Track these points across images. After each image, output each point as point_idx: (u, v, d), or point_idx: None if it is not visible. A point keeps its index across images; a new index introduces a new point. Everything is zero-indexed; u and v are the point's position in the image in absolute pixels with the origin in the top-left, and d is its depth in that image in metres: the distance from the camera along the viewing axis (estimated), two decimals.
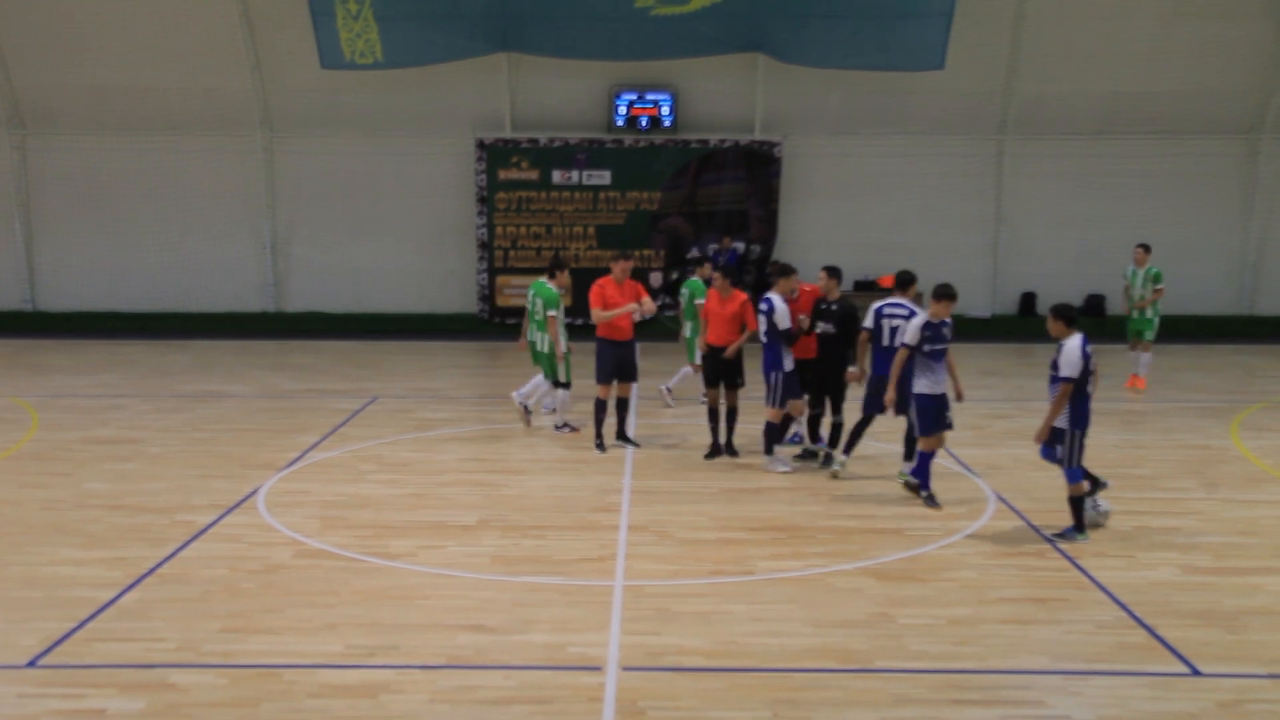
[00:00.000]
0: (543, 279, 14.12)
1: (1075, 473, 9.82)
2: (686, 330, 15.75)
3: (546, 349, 14.04)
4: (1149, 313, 17.21)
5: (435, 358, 21.01)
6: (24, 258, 24.45)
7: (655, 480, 11.98)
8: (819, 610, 8.30)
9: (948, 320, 11.01)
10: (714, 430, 13.02)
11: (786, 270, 12.46)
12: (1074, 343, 9.65)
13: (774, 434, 12.36)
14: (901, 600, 8.50)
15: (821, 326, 12.44)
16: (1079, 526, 9.96)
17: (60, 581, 8.84)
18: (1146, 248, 17.43)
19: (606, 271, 13.33)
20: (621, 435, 13.47)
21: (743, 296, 12.79)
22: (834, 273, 12.59)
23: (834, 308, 12.41)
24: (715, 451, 12.99)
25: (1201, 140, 23.70)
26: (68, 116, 23.70)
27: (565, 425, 14.15)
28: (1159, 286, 17.13)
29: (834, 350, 12.39)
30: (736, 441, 13.12)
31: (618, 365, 13.14)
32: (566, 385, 14.09)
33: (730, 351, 12.65)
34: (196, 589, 8.67)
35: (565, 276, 14.08)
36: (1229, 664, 7.43)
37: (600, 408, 13.21)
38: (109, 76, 23.05)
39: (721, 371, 12.86)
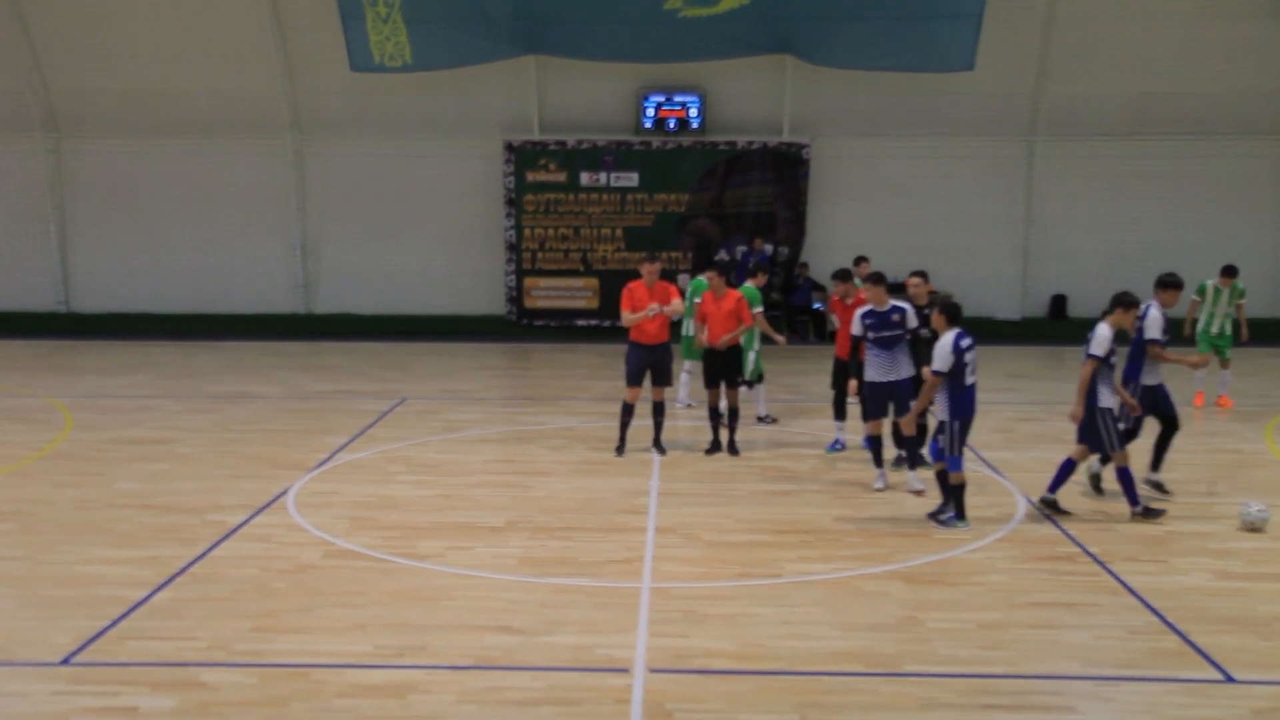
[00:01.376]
0: (749, 282, 15.07)
1: (955, 461, 10.28)
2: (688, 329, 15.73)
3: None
4: (1228, 329, 16.33)
5: (463, 359, 21.07)
6: (58, 260, 24.68)
7: (682, 482, 11.97)
8: (847, 613, 8.27)
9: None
10: (715, 429, 13.27)
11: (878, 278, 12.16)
12: (948, 338, 10.21)
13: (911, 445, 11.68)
14: (930, 604, 8.46)
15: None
16: (959, 514, 10.36)
17: (93, 580, 8.92)
18: (1232, 272, 16.36)
19: (636, 275, 13.32)
20: (656, 443, 13.33)
21: (736, 294, 13.10)
22: (924, 277, 12.81)
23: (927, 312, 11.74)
24: (715, 448, 13.21)
25: (1233, 141, 23.44)
26: (100, 120, 23.91)
27: (767, 416, 15.25)
28: (1242, 301, 16.38)
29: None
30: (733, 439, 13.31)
31: (645, 368, 13.06)
32: (758, 380, 15.33)
33: (726, 341, 12.85)
34: (227, 588, 8.73)
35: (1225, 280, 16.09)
36: (1263, 671, 7.35)
37: (626, 411, 13.18)
38: (141, 80, 23.24)
39: (721, 371, 13.01)
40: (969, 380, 10.23)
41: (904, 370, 11.55)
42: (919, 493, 11.30)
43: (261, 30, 22.82)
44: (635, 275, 13.26)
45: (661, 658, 7.48)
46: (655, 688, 7.05)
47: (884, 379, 11.52)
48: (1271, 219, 23.90)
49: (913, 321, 11.69)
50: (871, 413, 11.63)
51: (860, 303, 12.48)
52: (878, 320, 11.53)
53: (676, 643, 7.73)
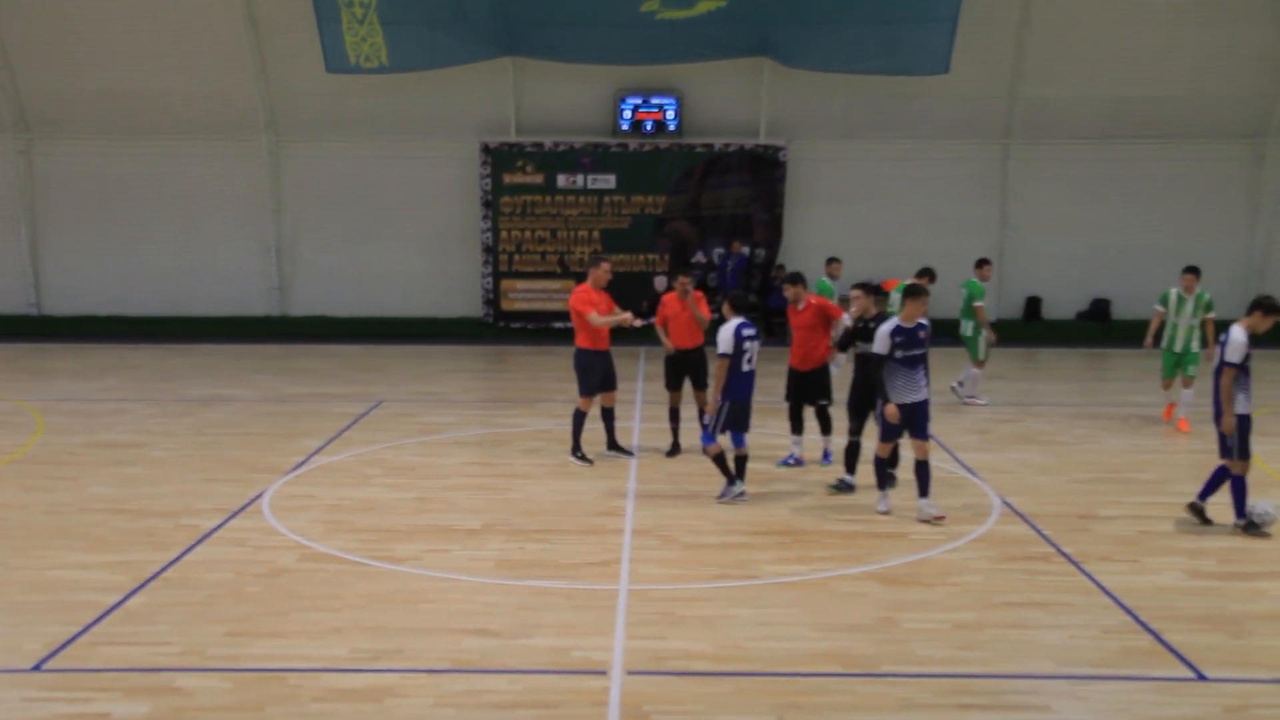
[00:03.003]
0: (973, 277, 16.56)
1: (708, 436, 11.14)
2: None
3: (970, 332, 16.40)
4: (1195, 344, 14.93)
5: (440, 362, 21.01)
6: (29, 262, 24.50)
7: (659, 484, 11.97)
8: (824, 614, 8.29)
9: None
10: (674, 430, 13.32)
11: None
12: (731, 325, 10.95)
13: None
14: (906, 604, 8.49)
15: (861, 347, 11.49)
16: (730, 479, 11.22)
17: (65, 585, 8.84)
18: (1196, 271, 15.15)
19: (615, 277, 13.28)
20: (613, 445, 13.30)
21: (699, 295, 13.14)
22: (869, 289, 11.70)
23: (873, 326, 11.08)
24: (675, 450, 13.25)
25: (1206, 145, 23.68)
26: (73, 121, 23.76)
27: (973, 397, 16.37)
28: (1210, 315, 14.91)
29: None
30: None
31: (604, 377, 12.92)
32: (981, 364, 16.45)
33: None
34: (201, 593, 8.67)
35: (988, 270, 16.74)
36: (1234, 669, 7.41)
37: (581, 419, 12.95)
38: (114, 81, 23.10)
39: (685, 373, 13.07)
40: (745, 367, 11.04)
41: (924, 390, 10.59)
42: (938, 519, 10.52)
43: (236, 31, 22.72)
44: (616, 277, 13.19)
45: (639, 659, 7.48)
46: (633, 689, 7.05)
47: (908, 399, 10.51)
48: (1243, 223, 24.14)
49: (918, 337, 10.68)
50: (890, 434, 10.63)
51: (812, 308, 12.25)
52: (907, 338, 10.47)
53: (654, 644, 7.73)
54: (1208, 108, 23.19)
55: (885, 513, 10.77)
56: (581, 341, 12.85)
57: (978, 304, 16.34)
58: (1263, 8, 22.39)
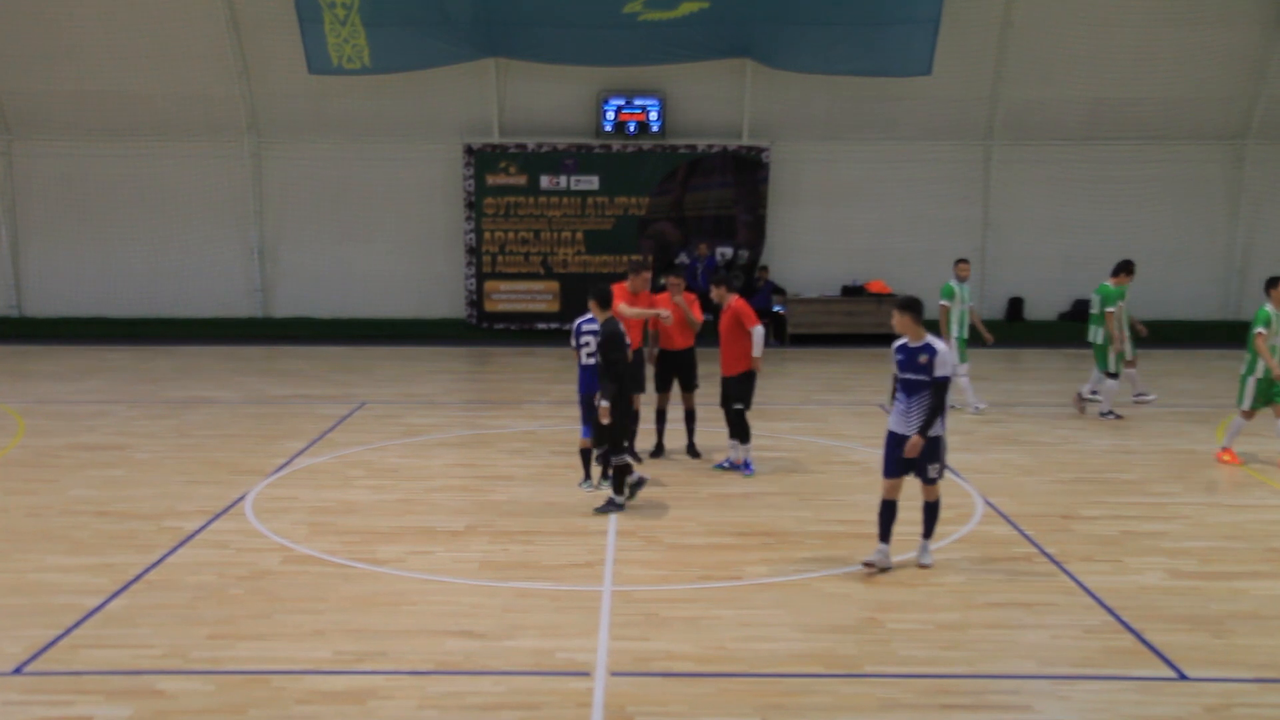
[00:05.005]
0: (1108, 281, 15.60)
1: (585, 429, 11.62)
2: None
3: (1101, 340, 15.42)
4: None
5: (423, 363, 20.97)
6: (10, 263, 24.35)
7: (643, 486, 11.96)
8: (807, 615, 8.31)
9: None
10: (659, 431, 13.31)
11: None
12: (576, 322, 11.59)
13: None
14: (890, 605, 8.51)
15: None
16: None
17: (46, 588, 8.80)
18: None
19: (599, 277, 13.30)
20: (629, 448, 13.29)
21: (690, 297, 13.03)
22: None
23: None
24: (659, 451, 13.26)
25: (1187, 146, 23.82)
26: (54, 121, 23.61)
27: (1110, 413, 15.46)
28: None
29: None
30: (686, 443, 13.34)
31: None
32: (1114, 376, 15.37)
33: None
34: (184, 595, 8.64)
35: (1127, 277, 15.57)
36: (1216, 668, 7.45)
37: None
38: (95, 81, 22.97)
39: (675, 374, 13.07)
40: (583, 361, 11.56)
41: (913, 424, 8.97)
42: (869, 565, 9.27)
43: (218, 31, 22.63)
44: (599, 278, 13.22)
45: (623, 661, 7.48)
46: (616, 691, 7.05)
47: (895, 429, 9.12)
48: (1224, 223, 24.28)
49: (943, 369, 8.91)
50: (887, 468, 9.18)
51: (733, 310, 12.17)
52: (907, 358, 9.02)
53: (638, 646, 7.73)
54: (1188, 109, 23.33)
55: (869, 564, 9.24)
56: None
57: (1110, 309, 15.29)
58: (1242, 9, 22.53)
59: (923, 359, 8.91)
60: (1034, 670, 7.43)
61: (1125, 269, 15.56)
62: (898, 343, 9.12)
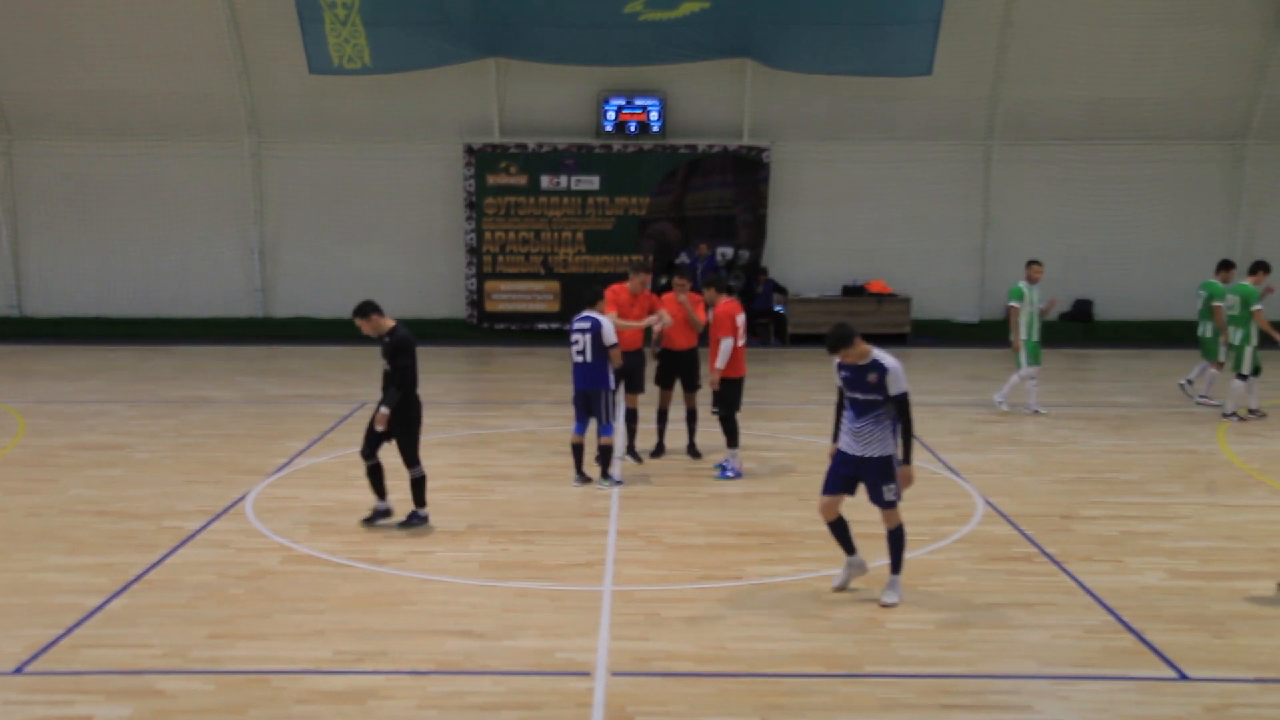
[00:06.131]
0: (1214, 278, 16.03)
1: (578, 426, 11.95)
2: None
3: (1238, 341, 15.44)
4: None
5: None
6: (10, 263, 24.34)
7: (643, 485, 11.98)
8: (808, 615, 8.31)
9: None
10: (660, 431, 13.29)
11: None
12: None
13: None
14: (889, 605, 8.50)
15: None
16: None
17: (47, 588, 8.80)
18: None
19: (599, 277, 13.29)
20: (630, 449, 13.24)
21: (695, 298, 13.03)
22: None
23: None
24: (659, 451, 13.24)
25: (1187, 146, 23.81)
26: (54, 121, 23.59)
27: (1233, 414, 15.44)
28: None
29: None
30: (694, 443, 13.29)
31: (629, 378, 12.93)
32: (1244, 377, 15.41)
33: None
34: (184, 595, 8.64)
35: (1265, 275, 15.67)
36: (1216, 668, 7.45)
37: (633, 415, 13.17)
38: (96, 81, 22.96)
39: (677, 373, 13.04)
40: (575, 359, 11.83)
41: (876, 447, 8.43)
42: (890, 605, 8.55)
43: (218, 31, 22.61)
44: (598, 278, 13.21)
45: (623, 661, 7.48)
46: (617, 691, 7.05)
47: (845, 449, 8.58)
48: (1224, 223, 24.25)
49: (898, 385, 8.30)
50: (827, 483, 8.69)
51: (717, 315, 12.13)
52: (854, 375, 8.43)
53: (638, 646, 7.73)
54: (1188, 109, 23.32)
55: (839, 588, 8.82)
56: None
57: (1217, 304, 15.80)
58: (1242, 9, 22.52)
59: (872, 378, 8.28)
60: (1034, 670, 7.43)
61: (1263, 267, 15.77)
62: (837, 359, 8.46)
